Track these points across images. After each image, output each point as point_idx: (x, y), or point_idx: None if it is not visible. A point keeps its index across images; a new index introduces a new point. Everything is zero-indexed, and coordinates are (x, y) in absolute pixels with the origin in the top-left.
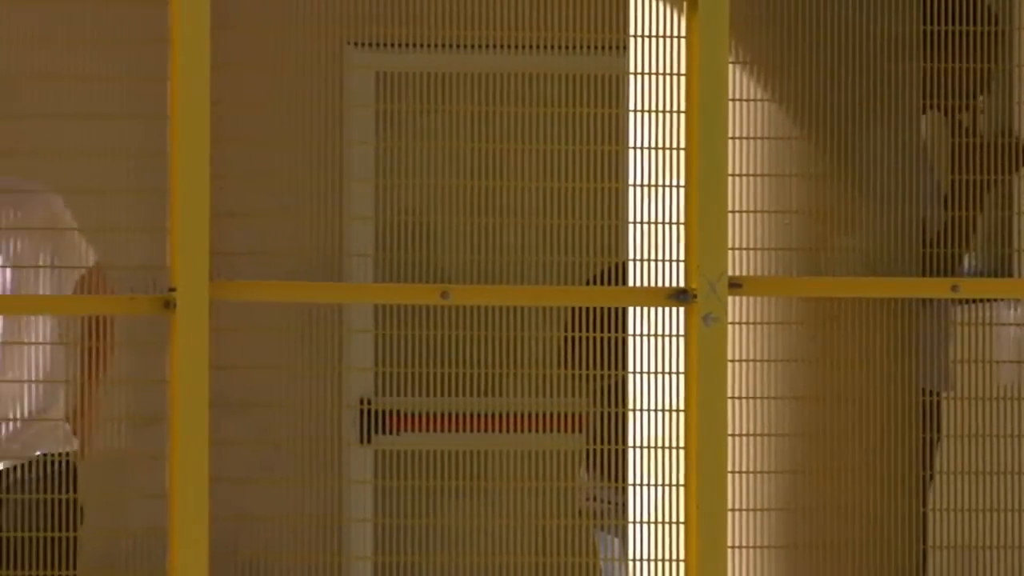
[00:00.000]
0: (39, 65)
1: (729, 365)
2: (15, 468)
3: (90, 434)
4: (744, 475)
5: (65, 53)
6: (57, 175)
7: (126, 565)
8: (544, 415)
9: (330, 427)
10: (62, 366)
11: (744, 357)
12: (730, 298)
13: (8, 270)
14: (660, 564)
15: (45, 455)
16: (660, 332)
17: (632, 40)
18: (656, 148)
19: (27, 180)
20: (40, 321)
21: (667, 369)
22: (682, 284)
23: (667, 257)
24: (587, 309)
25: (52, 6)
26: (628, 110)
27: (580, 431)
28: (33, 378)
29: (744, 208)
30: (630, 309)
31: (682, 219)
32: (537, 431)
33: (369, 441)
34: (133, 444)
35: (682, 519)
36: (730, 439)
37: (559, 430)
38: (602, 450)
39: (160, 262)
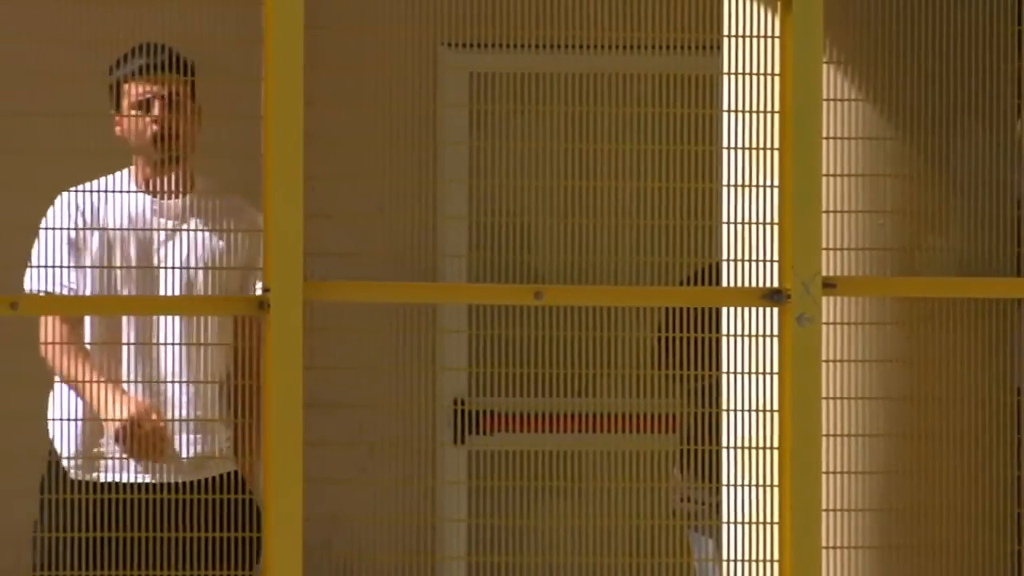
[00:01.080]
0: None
1: (823, 365)
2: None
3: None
4: (838, 475)
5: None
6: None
7: (221, 566)
8: (638, 415)
9: (424, 428)
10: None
11: (838, 357)
12: (824, 298)
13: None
14: (754, 565)
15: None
16: (754, 332)
17: (726, 40)
18: (750, 148)
19: (235, 196)
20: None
21: (761, 369)
22: (776, 284)
23: (761, 257)
24: (681, 309)
25: (152, 6)
26: (722, 110)
27: (674, 432)
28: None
29: (838, 208)
30: (724, 309)
31: (776, 219)
32: (631, 432)
33: (463, 441)
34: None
35: (776, 520)
36: (824, 439)
37: (653, 431)
38: (696, 451)
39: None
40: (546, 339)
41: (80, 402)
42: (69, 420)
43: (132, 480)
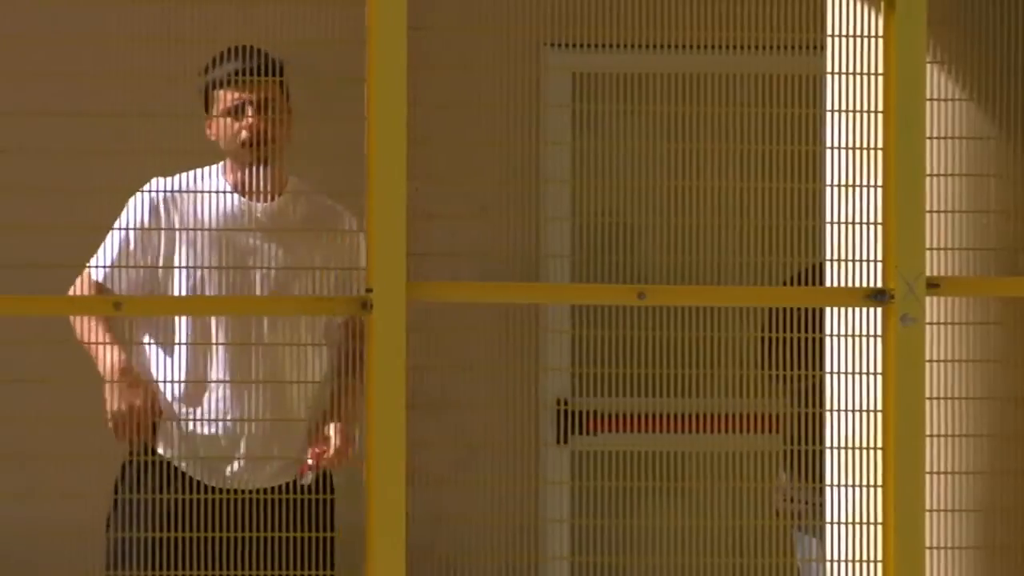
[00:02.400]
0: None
1: (927, 365)
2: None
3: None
4: (942, 476)
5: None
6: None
7: (323, 565)
8: (741, 416)
9: (527, 428)
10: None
11: (942, 357)
12: (927, 298)
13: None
14: (858, 565)
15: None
16: (858, 332)
17: (830, 40)
18: (854, 148)
19: (326, 200)
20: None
21: (865, 369)
22: (880, 284)
23: (865, 257)
24: (784, 309)
25: (247, 7)
26: (826, 110)
27: (778, 432)
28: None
29: (942, 208)
30: (828, 309)
31: (880, 219)
32: (734, 432)
33: (566, 442)
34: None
35: (880, 520)
36: (928, 440)
37: (757, 431)
38: (799, 451)
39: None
40: (649, 339)
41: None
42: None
43: (222, 486)
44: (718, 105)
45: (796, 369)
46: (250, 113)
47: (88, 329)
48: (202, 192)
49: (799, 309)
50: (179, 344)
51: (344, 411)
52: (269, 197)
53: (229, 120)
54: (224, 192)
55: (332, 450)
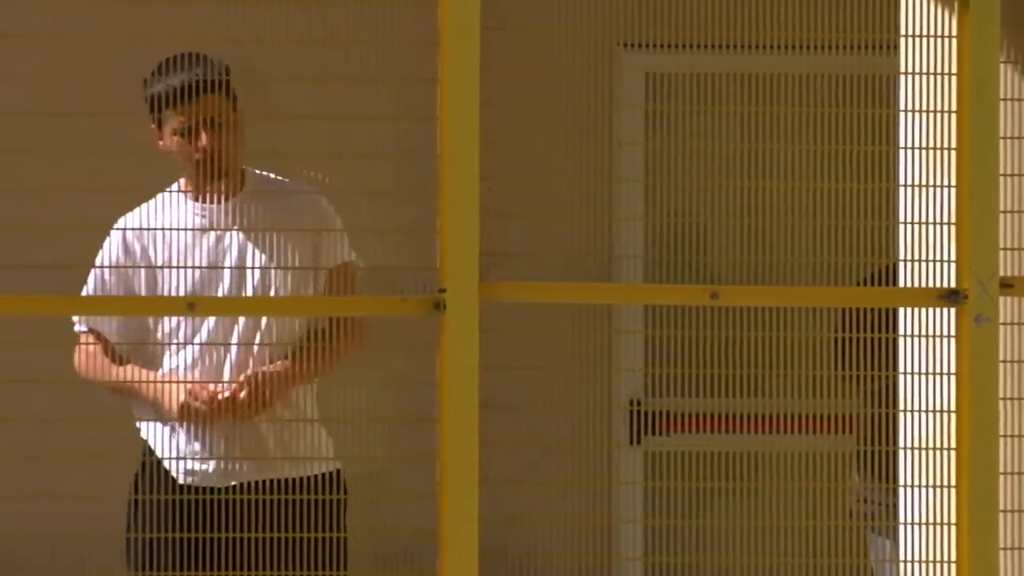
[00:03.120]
0: (312, 67)
1: (1000, 366)
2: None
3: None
4: (1016, 476)
5: (331, 53)
6: (330, 177)
7: (396, 566)
8: (814, 416)
9: (600, 428)
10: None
11: (1015, 358)
12: (1001, 298)
13: (272, 269)
14: (932, 566)
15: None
16: (931, 333)
17: (903, 40)
18: (927, 148)
19: (295, 181)
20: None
21: (938, 370)
22: (953, 285)
23: (938, 258)
24: (857, 310)
25: (318, 7)
26: (899, 110)
27: (851, 432)
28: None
29: (1015, 208)
30: (901, 310)
31: (953, 219)
32: (807, 432)
33: (639, 442)
34: (402, 445)
35: (953, 521)
36: (1001, 440)
37: (830, 431)
38: (873, 451)
39: (430, 263)
40: (722, 339)
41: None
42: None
43: (231, 483)
44: (791, 105)
45: (869, 370)
46: (202, 137)
47: (99, 365)
48: (156, 228)
49: (872, 309)
50: (179, 345)
51: (276, 375)
52: (226, 197)
53: (179, 138)
54: (179, 193)
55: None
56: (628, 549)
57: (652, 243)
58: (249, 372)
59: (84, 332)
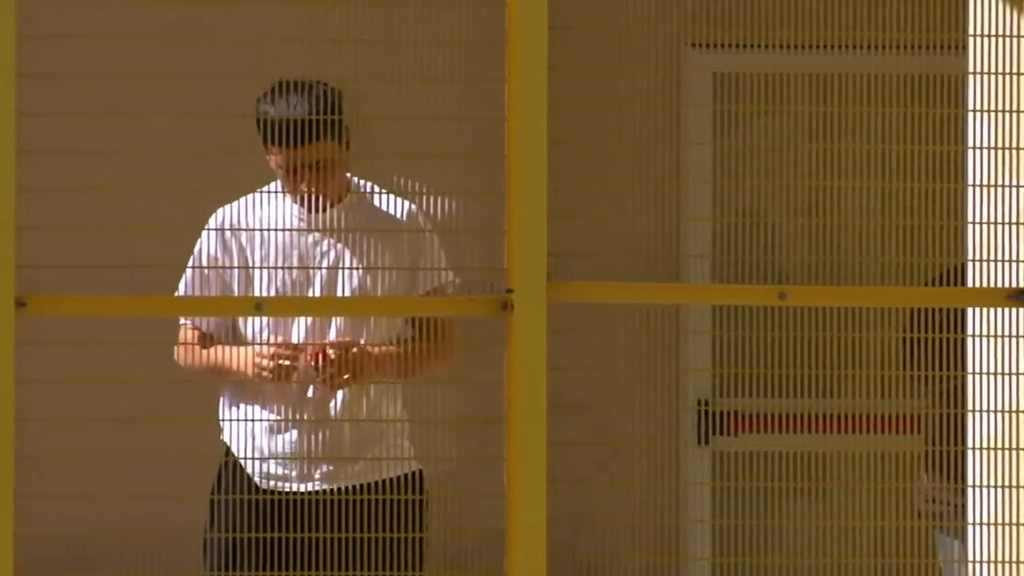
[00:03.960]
0: (379, 67)
1: None
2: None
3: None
4: None
5: (398, 54)
6: (402, 177)
7: (465, 565)
8: (883, 416)
9: (668, 428)
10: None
11: None
12: None
13: (359, 271)
14: (1000, 566)
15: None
16: (999, 333)
17: (971, 40)
18: (995, 148)
19: (383, 194)
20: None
21: (1006, 370)
22: (1022, 284)
23: (1006, 257)
24: (926, 310)
25: (386, 8)
26: (967, 110)
27: (919, 432)
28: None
29: None
30: (969, 310)
31: (1022, 219)
32: (875, 432)
33: (707, 442)
34: (471, 446)
35: (1022, 521)
36: None
37: (898, 431)
38: (941, 452)
39: (497, 264)
40: (790, 340)
41: (243, 402)
42: (242, 421)
43: (313, 489)
44: (859, 105)
45: (938, 370)
46: (305, 182)
47: (196, 353)
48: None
49: (941, 309)
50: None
51: (391, 351)
52: (330, 204)
53: (283, 171)
54: (279, 192)
55: (333, 354)
56: (696, 549)
57: (720, 243)
58: (345, 340)
59: (184, 324)
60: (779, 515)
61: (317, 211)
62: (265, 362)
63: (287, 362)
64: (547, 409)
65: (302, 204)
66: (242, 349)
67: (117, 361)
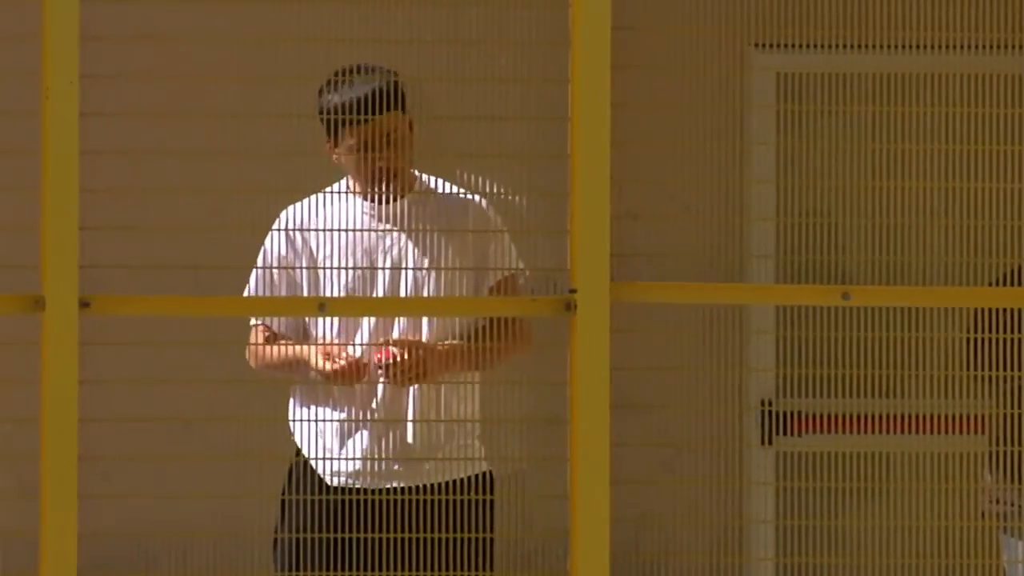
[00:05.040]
0: (443, 68)
1: None
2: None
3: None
4: None
5: (462, 54)
6: (471, 177)
7: (529, 565)
8: (947, 417)
9: (731, 429)
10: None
11: None
12: None
13: (426, 262)
14: None
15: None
16: None
17: None
18: None
19: (449, 188)
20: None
21: None
22: None
23: None
24: (990, 310)
25: (450, 9)
26: None
27: (983, 433)
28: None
29: None
30: None
31: None
32: (940, 433)
33: (770, 443)
34: (535, 446)
35: None
36: None
37: (961, 432)
38: (1005, 452)
39: (561, 264)
40: (854, 340)
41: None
42: (313, 421)
43: (384, 486)
44: (924, 105)
45: (1002, 370)
46: (380, 155)
47: (267, 354)
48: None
49: (1005, 309)
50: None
51: (460, 347)
52: (395, 197)
53: (355, 154)
54: (348, 197)
55: (399, 354)
56: (759, 549)
57: (783, 243)
58: (409, 339)
59: (255, 325)
60: (843, 515)
61: (385, 202)
62: (329, 366)
63: (344, 362)
64: (610, 409)
65: (375, 184)
66: (311, 349)
67: (180, 361)
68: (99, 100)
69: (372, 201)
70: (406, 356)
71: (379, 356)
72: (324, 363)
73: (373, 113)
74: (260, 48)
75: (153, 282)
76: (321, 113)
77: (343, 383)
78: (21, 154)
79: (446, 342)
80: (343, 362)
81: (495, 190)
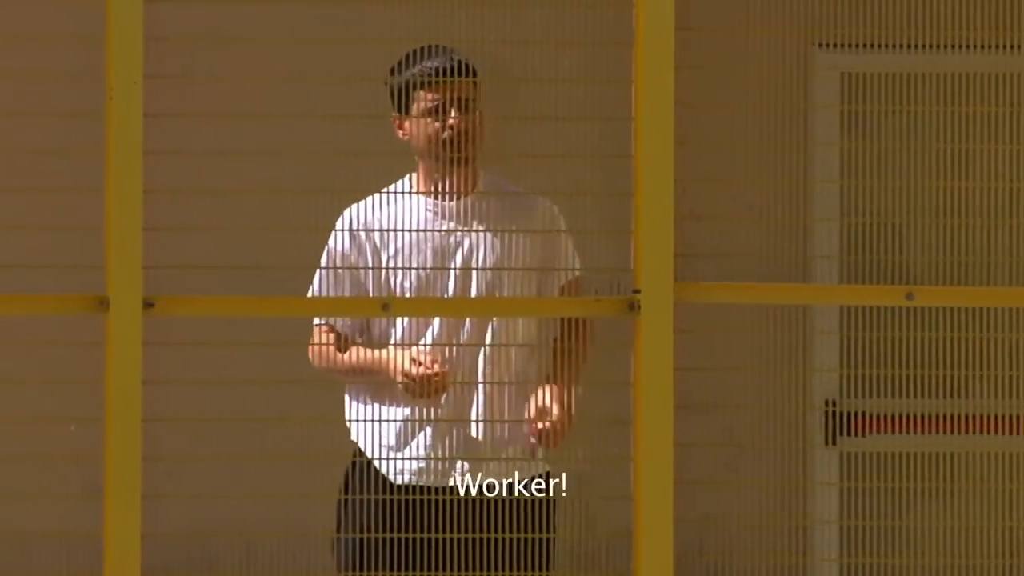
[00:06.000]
0: (507, 68)
1: None
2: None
3: (560, 435)
4: None
5: (525, 54)
6: (534, 177)
7: (592, 565)
8: (1011, 417)
9: (795, 429)
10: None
11: None
12: None
13: (492, 260)
14: None
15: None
16: None
17: None
18: None
19: (513, 185)
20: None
21: None
22: None
23: None
24: None
25: (513, 8)
26: None
27: None
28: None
29: None
30: None
31: None
32: (1004, 433)
33: (835, 443)
34: (598, 446)
35: None
36: None
37: None
38: None
39: (624, 264)
40: (918, 340)
41: (370, 401)
42: (374, 421)
43: (445, 484)
44: (988, 105)
45: None
46: (453, 113)
47: (327, 354)
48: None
49: None
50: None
51: (561, 374)
52: (462, 195)
53: (427, 120)
54: (412, 196)
55: (549, 424)
56: (823, 550)
57: (847, 243)
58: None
59: (318, 325)
60: (906, 516)
61: (449, 200)
62: (416, 370)
63: (430, 369)
64: (674, 410)
65: (443, 147)
66: (393, 352)
67: (242, 361)
68: (162, 101)
69: (434, 197)
70: (558, 427)
71: (533, 429)
72: (411, 367)
73: (449, 74)
74: (322, 49)
75: (216, 282)
76: (390, 90)
77: (425, 392)
78: (85, 155)
79: (550, 387)
80: (429, 369)
81: (556, 190)
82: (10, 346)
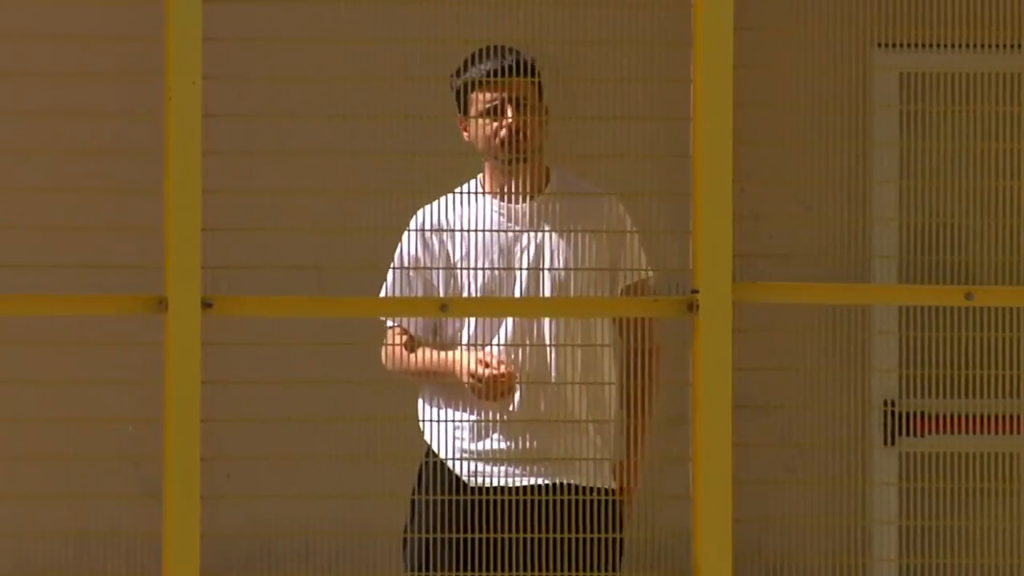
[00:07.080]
0: (571, 67)
1: None
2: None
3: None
4: None
5: (585, 54)
6: (595, 177)
7: (651, 566)
8: None
9: (854, 429)
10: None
11: None
12: None
13: (560, 261)
14: None
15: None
16: None
17: None
18: None
19: (583, 182)
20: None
21: None
22: None
23: None
24: None
25: (570, 8)
26: None
27: None
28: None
29: None
30: None
31: None
32: None
33: (894, 443)
34: (657, 446)
35: None
36: None
37: None
38: None
39: (682, 264)
40: (977, 340)
41: (444, 400)
42: (447, 422)
43: (516, 484)
44: None
45: None
46: (508, 112)
47: (398, 355)
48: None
49: None
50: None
51: (635, 443)
52: (530, 196)
53: (484, 121)
54: (479, 197)
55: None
56: (882, 550)
57: (907, 243)
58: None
59: (391, 327)
60: (966, 516)
61: (518, 202)
62: (485, 371)
63: (498, 371)
64: (732, 410)
65: (503, 146)
66: (463, 354)
67: (301, 361)
68: (221, 101)
69: (503, 200)
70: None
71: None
72: (480, 368)
73: (507, 73)
74: (382, 48)
75: (275, 282)
76: (453, 91)
77: (493, 393)
78: (144, 155)
79: (632, 460)
80: (497, 371)
81: (615, 191)
82: (70, 346)
